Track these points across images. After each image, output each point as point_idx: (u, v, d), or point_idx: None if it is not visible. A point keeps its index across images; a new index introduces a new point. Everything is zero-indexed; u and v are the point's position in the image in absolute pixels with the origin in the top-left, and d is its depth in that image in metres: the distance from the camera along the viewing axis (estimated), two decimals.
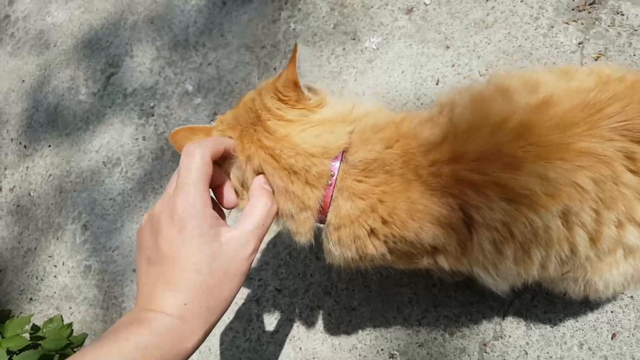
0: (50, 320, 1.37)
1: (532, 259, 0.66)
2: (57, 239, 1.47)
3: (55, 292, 1.42)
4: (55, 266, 1.44)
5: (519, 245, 0.65)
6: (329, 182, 0.67)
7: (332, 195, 0.68)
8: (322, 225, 0.72)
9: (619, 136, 0.59)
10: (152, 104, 1.49)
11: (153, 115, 1.48)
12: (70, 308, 1.38)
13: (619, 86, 0.62)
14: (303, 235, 0.71)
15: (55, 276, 1.44)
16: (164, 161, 1.41)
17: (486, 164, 0.62)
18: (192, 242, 0.55)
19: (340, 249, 0.71)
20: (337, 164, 0.67)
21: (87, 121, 1.57)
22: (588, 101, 0.61)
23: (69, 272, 1.42)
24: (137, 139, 1.47)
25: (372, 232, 0.67)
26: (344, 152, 0.68)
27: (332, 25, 1.34)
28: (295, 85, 0.69)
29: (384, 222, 0.66)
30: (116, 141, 1.50)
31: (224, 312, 0.59)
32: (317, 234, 0.73)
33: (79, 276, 1.40)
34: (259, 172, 0.69)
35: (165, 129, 1.44)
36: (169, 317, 0.53)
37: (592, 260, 0.67)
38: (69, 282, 1.41)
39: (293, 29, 1.38)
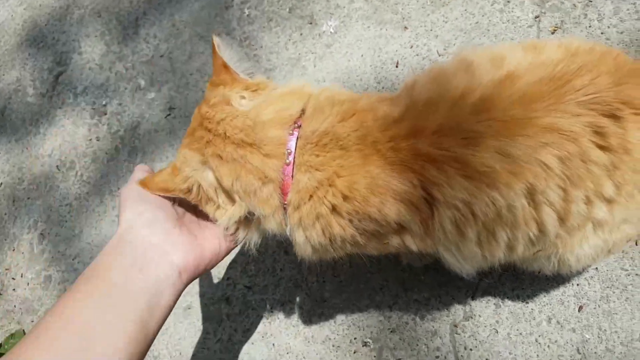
0: (12, 335, 1.31)
1: (497, 240, 0.64)
2: (14, 250, 1.40)
3: (15, 306, 1.36)
4: (14, 279, 1.38)
5: (482, 225, 0.63)
6: (287, 160, 0.65)
7: (292, 174, 0.65)
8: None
9: (587, 110, 0.57)
10: (104, 102, 1.42)
11: (106, 114, 1.41)
12: (32, 321, 1.32)
13: (587, 57, 0.60)
14: (272, 218, 0.69)
15: (14, 289, 1.37)
16: (119, 161, 1.35)
17: (445, 138, 0.59)
18: None
19: (303, 232, 0.68)
20: (293, 140, 0.65)
21: (37, 124, 1.49)
22: (554, 74, 0.58)
23: (28, 284, 1.35)
24: (90, 139, 1.41)
25: (334, 210, 0.65)
26: (299, 127, 0.66)
27: (287, 10, 1.30)
28: (225, 66, 0.72)
29: (345, 197, 0.63)
30: (69, 143, 1.43)
31: None
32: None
33: (39, 287, 1.34)
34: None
35: (119, 128, 1.38)
36: None
37: (562, 237, 0.66)
38: (29, 294, 1.34)
39: (247, 15, 1.33)
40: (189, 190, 0.71)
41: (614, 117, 0.57)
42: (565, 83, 0.58)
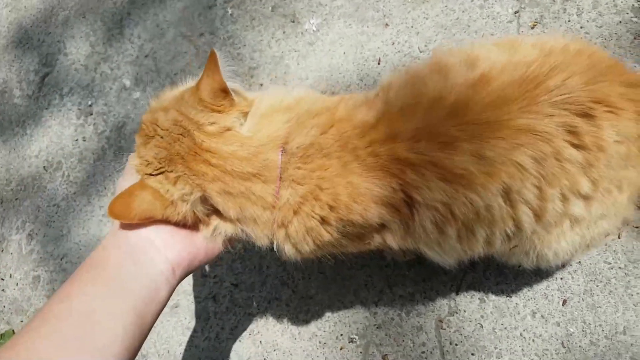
0: (2, 335, 1.31)
1: (476, 237, 0.66)
2: (2, 250, 1.40)
3: (4, 307, 1.35)
4: (3, 279, 1.38)
5: (462, 224, 0.64)
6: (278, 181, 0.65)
7: (279, 189, 0.65)
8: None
9: (561, 110, 0.58)
10: (90, 103, 1.42)
11: (92, 114, 1.41)
12: (22, 321, 1.32)
13: (560, 57, 0.61)
14: (264, 237, 0.69)
15: (3, 290, 1.37)
16: (106, 161, 1.35)
17: (421, 143, 0.60)
18: None
19: (292, 246, 0.69)
20: (279, 156, 0.65)
21: (24, 125, 1.49)
22: (527, 75, 0.59)
23: (17, 285, 1.35)
24: (77, 140, 1.40)
25: (323, 221, 0.65)
26: (285, 144, 0.66)
27: (270, 8, 1.29)
28: (225, 91, 0.66)
29: (331, 208, 0.64)
30: (56, 144, 1.42)
31: None
32: None
33: (28, 288, 1.34)
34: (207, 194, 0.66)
35: (105, 128, 1.38)
36: None
37: (539, 234, 0.67)
38: (19, 295, 1.34)
39: (230, 14, 1.33)
40: (183, 219, 0.67)
41: (587, 116, 0.58)
42: (538, 84, 0.58)
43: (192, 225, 0.69)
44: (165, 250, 0.67)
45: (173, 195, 0.65)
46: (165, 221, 0.67)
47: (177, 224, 0.68)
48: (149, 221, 0.66)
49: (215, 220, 0.69)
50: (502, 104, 0.58)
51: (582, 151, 0.59)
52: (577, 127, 0.58)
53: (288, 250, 0.69)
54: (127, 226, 0.66)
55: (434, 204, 0.62)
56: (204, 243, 0.71)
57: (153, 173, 0.65)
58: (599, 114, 0.58)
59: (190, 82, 0.73)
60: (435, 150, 0.60)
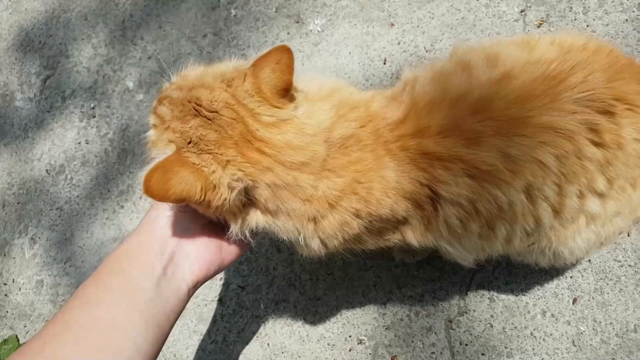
0: (5, 341, 1.29)
1: (496, 233, 0.66)
2: (5, 255, 1.39)
3: (7, 312, 1.34)
4: (5, 284, 1.36)
5: (484, 220, 0.64)
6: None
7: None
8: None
9: (583, 107, 0.58)
10: (92, 105, 1.41)
11: (94, 117, 1.40)
12: (25, 326, 1.31)
13: (581, 55, 0.61)
14: (294, 231, 0.65)
15: (6, 295, 1.35)
16: (109, 164, 1.34)
17: (448, 139, 0.61)
18: None
19: (320, 240, 0.67)
20: (324, 147, 0.63)
21: (26, 128, 1.48)
22: (549, 72, 0.60)
23: (20, 289, 1.34)
24: (79, 143, 1.39)
25: (357, 215, 0.65)
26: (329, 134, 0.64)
27: (274, 9, 1.29)
28: (289, 90, 0.62)
29: (366, 201, 0.64)
30: (58, 147, 1.41)
31: None
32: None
33: (32, 292, 1.32)
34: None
35: (108, 130, 1.37)
36: None
37: (556, 229, 0.67)
38: (22, 300, 1.33)
39: (234, 15, 1.33)
40: (221, 207, 0.62)
41: (608, 113, 0.59)
42: (560, 82, 0.59)
43: (227, 212, 0.64)
44: (195, 264, 0.66)
45: (220, 179, 0.59)
46: (198, 205, 0.62)
47: (206, 210, 0.64)
48: (180, 203, 0.61)
49: (248, 211, 0.65)
50: (526, 101, 0.59)
51: (601, 149, 0.59)
52: (599, 125, 0.58)
53: (315, 244, 0.67)
54: (165, 224, 0.65)
55: (459, 200, 0.62)
56: (229, 251, 0.70)
57: (197, 152, 0.60)
58: (619, 112, 0.59)
59: (231, 62, 0.68)
60: (462, 146, 0.60)
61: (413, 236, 0.69)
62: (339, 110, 0.65)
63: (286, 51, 0.60)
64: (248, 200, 0.64)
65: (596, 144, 0.59)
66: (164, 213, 0.68)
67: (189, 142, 0.60)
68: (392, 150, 0.63)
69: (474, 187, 0.61)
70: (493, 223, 0.65)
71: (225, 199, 0.60)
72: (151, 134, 0.65)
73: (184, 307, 0.67)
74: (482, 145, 0.59)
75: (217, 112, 0.60)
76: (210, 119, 0.60)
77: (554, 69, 0.60)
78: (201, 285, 0.69)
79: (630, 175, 0.64)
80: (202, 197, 0.59)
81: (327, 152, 0.62)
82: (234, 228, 0.65)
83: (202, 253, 0.68)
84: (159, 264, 0.64)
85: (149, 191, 0.56)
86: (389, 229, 0.69)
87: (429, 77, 0.68)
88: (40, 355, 0.54)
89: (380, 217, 0.65)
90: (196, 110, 0.61)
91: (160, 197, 0.57)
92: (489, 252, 0.71)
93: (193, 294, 0.68)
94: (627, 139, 0.60)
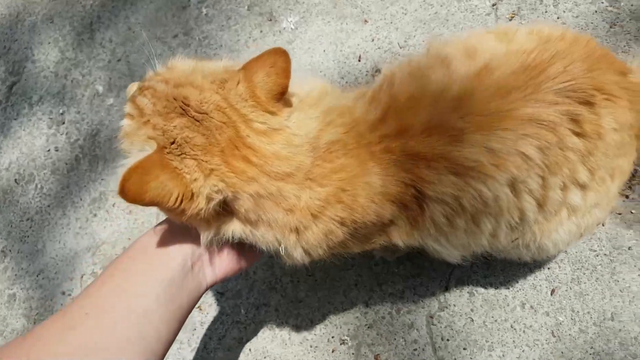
0: None
1: (481, 228, 0.66)
2: None
3: None
4: None
5: (470, 216, 0.64)
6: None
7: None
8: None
9: (564, 98, 0.58)
10: (61, 111, 1.37)
11: (64, 123, 1.36)
12: None
13: (559, 44, 0.61)
14: (274, 242, 0.63)
15: None
16: (80, 172, 1.30)
17: (432, 137, 0.60)
18: None
19: (303, 250, 0.65)
20: (310, 156, 0.61)
21: None
22: (529, 63, 0.59)
23: None
24: (49, 150, 1.35)
25: (342, 223, 0.63)
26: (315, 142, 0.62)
27: (246, 7, 1.27)
28: (284, 94, 0.60)
29: (351, 209, 0.62)
30: (27, 155, 1.37)
31: None
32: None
33: (4, 307, 1.28)
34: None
35: (78, 136, 1.33)
36: None
37: (540, 223, 0.67)
38: None
39: (205, 14, 1.30)
40: (195, 216, 0.59)
41: (588, 103, 0.59)
42: (540, 72, 0.59)
43: (199, 221, 0.61)
44: (217, 269, 0.70)
45: (201, 189, 0.57)
46: (168, 211, 0.60)
47: (176, 217, 0.61)
48: (149, 206, 0.58)
49: (224, 220, 0.62)
50: (507, 93, 0.58)
51: (582, 139, 0.59)
52: (580, 115, 0.58)
53: (298, 254, 0.65)
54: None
55: (444, 198, 0.62)
56: (246, 258, 0.73)
57: (180, 155, 0.57)
58: (598, 102, 0.59)
59: (220, 62, 0.65)
60: (445, 143, 0.59)
61: (399, 236, 0.68)
62: (327, 117, 0.63)
63: (282, 54, 0.58)
64: (225, 210, 0.61)
65: (577, 134, 0.59)
66: None
67: (172, 143, 0.57)
68: (376, 154, 0.61)
69: (459, 184, 0.60)
70: (478, 218, 0.64)
71: (202, 209, 0.57)
72: (125, 124, 0.61)
73: (197, 303, 0.70)
74: (466, 141, 0.59)
75: (206, 114, 0.57)
76: (198, 121, 0.57)
77: (534, 59, 0.59)
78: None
79: (609, 166, 0.64)
80: (177, 205, 0.56)
81: (312, 160, 0.60)
82: (205, 237, 0.62)
83: (225, 263, 0.71)
84: (189, 259, 0.66)
85: (123, 193, 0.53)
86: (375, 233, 0.68)
87: (407, 72, 0.67)
88: (83, 335, 0.57)
89: (365, 223, 0.63)
90: (183, 109, 0.57)
91: (134, 200, 0.54)
92: (475, 248, 0.71)
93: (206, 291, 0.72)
94: (607, 129, 0.60)
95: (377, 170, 0.61)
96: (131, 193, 0.53)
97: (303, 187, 0.60)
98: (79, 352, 0.55)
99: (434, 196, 0.62)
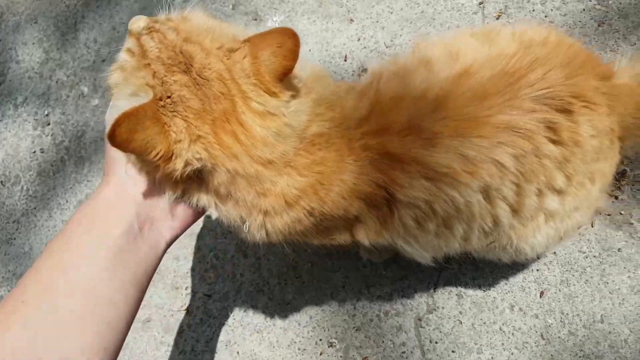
0: None
1: (453, 232, 0.66)
2: None
3: None
4: None
5: (441, 220, 0.64)
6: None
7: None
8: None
9: (541, 105, 0.57)
10: (46, 112, 1.35)
11: (49, 124, 1.34)
12: None
13: (541, 50, 0.61)
14: (237, 218, 0.63)
15: None
16: (66, 173, 1.29)
17: (408, 138, 0.59)
18: None
19: (267, 234, 0.65)
20: (294, 146, 0.61)
21: None
22: (509, 69, 0.58)
23: None
24: (34, 152, 1.34)
25: (311, 213, 0.63)
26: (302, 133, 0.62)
27: (230, 6, 1.26)
28: (286, 75, 0.58)
29: (323, 202, 0.62)
30: (12, 157, 1.36)
31: None
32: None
33: None
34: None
35: (64, 138, 1.31)
36: None
37: (516, 228, 0.67)
38: None
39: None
40: (168, 175, 0.58)
41: (566, 111, 0.58)
42: (519, 78, 0.58)
43: (168, 181, 0.61)
44: (177, 222, 0.66)
45: (182, 152, 0.56)
46: (143, 162, 0.59)
47: (148, 172, 0.61)
48: (130, 154, 0.58)
49: (192, 186, 0.62)
50: (484, 98, 0.58)
51: (559, 147, 0.59)
52: (557, 124, 0.58)
53: (259, 235, 0.65)
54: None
55: (415, 202, 0.61)
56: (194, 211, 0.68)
57: (172, 112, 0.56)
58: (576, 109, 0.58)
59: (230, 27, 0.63)
60: (420, 146, 0.59)
61: (366, 235, 0.68)
62: (317, 108, 0.62)
63: (291, 35, 0.56)
64: (197, 177, 0.60)
65: (554, 142, 0.59)
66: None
67: (168, 97, 0.56)
68: (355, 150, 0.61)
69: (431, 189, 0.60)
70: (450, 223, 0.64)
71: (176, 171, 0.56)
72: (123, 58, 0.60)
73: (159, 262, 0.65)
74: (440, 146, 0.58)
75: (208, 80, 0.56)
76: (198, 84, 0.56)
77: (514, 65, 0.59)
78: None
79: (588, 171, 0.64)
80: (155, 160, 0.55)
81: (296, 150, 0.60)
82: (169, 197, 0.62)
83: (182, 214, 0.66)
84: (135, 223, 0.61)
85: (113, 137, 0.52)
86: (338, 228, 0.68)
87: (392, 72, 0.66)
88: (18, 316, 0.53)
89: (332, 216, 0.64)
90: (187, 67, 0.56)
91: (119, 146, 0.53)
92: (447, 251, 0.71)
93: (167, 249, 0.67)
94: (585, 137, 0.60)
95: (353, 168, 0.61)
96: (119, 139, 0.52)
97: (281, 173, 0.60)
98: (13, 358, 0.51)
99: (405, 200, 0.61)
